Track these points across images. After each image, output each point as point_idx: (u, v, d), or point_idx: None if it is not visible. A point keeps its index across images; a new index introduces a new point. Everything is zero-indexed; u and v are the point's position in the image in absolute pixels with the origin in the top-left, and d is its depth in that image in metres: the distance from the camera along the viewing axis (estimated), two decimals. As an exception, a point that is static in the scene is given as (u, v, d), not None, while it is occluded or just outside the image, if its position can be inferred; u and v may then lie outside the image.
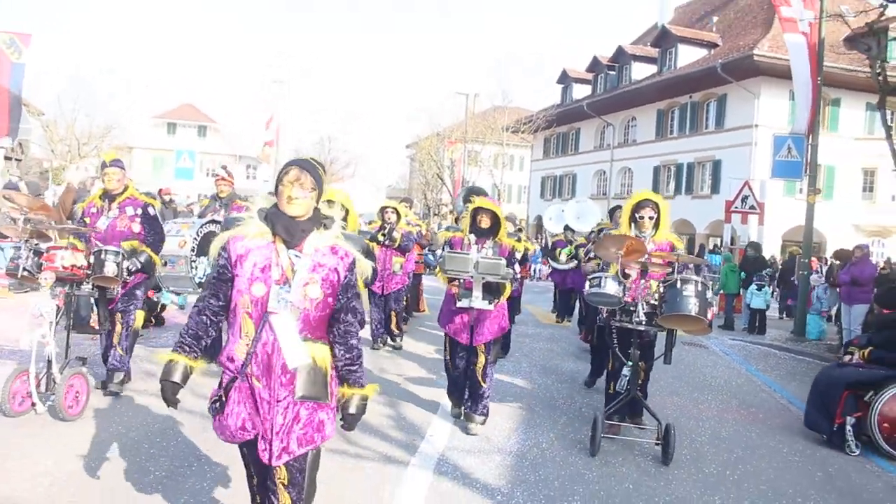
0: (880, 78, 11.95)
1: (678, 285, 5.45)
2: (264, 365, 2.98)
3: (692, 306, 5.35)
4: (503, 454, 5.64)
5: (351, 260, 3.10)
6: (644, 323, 5.66)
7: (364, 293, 5.45)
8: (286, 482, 3.07)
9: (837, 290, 12.58)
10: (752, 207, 15.82)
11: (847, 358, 7.08)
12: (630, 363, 5.86)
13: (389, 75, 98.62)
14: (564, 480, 5.09)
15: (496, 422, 6.43)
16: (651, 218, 6.19)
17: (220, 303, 3.08)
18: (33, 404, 5.63)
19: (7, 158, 31.41)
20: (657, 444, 5.71)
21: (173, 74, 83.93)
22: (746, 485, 5.28)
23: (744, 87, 28.50)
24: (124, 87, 58.52)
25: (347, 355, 3.12)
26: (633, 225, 6.31)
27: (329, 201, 3.29)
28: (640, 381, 6.12)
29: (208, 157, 58.24)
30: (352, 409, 3.12)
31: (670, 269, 5.84)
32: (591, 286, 5.82)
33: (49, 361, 5.79)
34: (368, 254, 3.38)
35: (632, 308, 5.71)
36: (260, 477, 3.17)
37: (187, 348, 3.07)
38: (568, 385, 8.33)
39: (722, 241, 19.69)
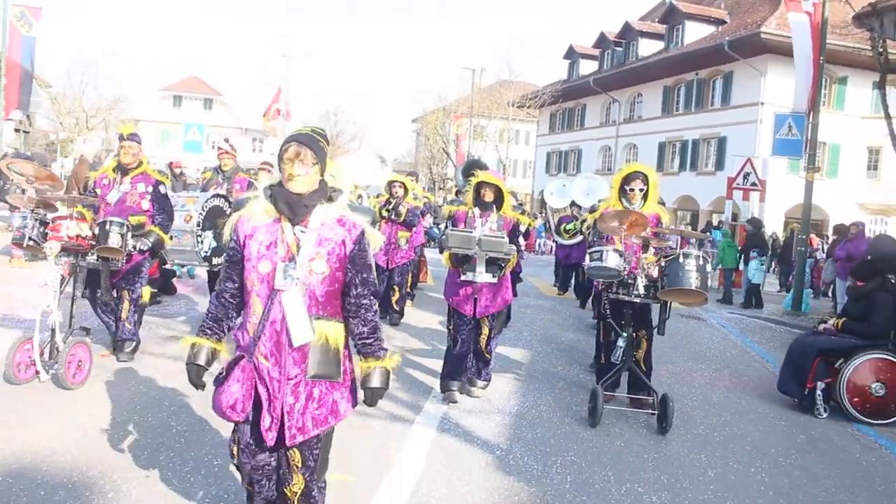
0: (882, 58, 12.11)
1: (680, 259, 5.51)
2: (273, 343, 2.95)
3: (693, 280, 5.43)
4: (502, 414, 5.91)
5: (359, 232, 3.04)
6: (642, 296, 5.75)
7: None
8: (300, 464, 3.06)
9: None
10: (753, 184, 16.02)
11: (821, 326, 7.35)
12: (625, 334, 5.93)
13: (395, 54, 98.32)
14: (560, 438, 5.39)
15: (497, 385, 6.66)
16: (641, 190, 6.24)
17: (236, 284, 3.08)
18: (37, 373, 5.68)
19: (16, 130, 31.65)
20: (653, 414, 5.83)
21: (179, 48, 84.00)
22: (732, 445, 5.58)
23: (750, 65, 28.52)
24: (127, 69, 58.30)
25: (363, 328, 3.07)
26: (622, 198, 6.33)
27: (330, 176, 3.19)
28: (642, 353, 6.21)
29: (214, 129, 58.32)
30: (373, 383, 3.06)
31: (670, 244, 5.96)
32: (591, 259, 5.84)
33: (53, 330, 5.83)
34: (374, 223, 3.29)
35: (630, 281, 5.78)
36: (257, 460, 3.10)
37: (209, 332, 3.10)
38: (567, 354, 8.58)
39: (726, 217, 19.87)
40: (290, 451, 3.02)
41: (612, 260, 5.66)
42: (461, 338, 6.24)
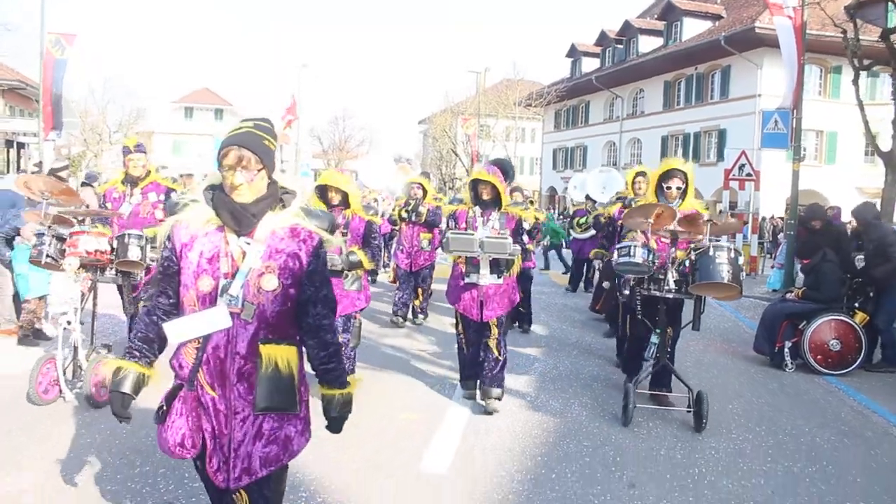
0: (856, 57, 13.20)
1: (711, 252, 5.40)
2: (217, 372, 2.58)
3: (725, 273, 5.32)
4: (531, 414, 5.87)
5: (315, 242, 2.67)
6: (673, 291, 5.63)
7: (364, 269, 5.92)
8: None
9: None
10: (748, 175, 17.05)
11: (788, 295, 8.51)
12: (658, 330, 5.84)
13: (400, 56, 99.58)
14: (596, 440, 5.61)
15: (522, 383, 6.72)
16: (679, 188, 6.10)
17: (171, 301, 2.68)
18: (61, 391, 5.60)
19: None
20: (688, 412, 5.73)
21: (189, 60, 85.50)
22: (714, 391, 6.63)
23: (747, 59, 29.47)
24: (143, 83, 59.95)
25: (322, 353, 2.72)
26: (659, 196, 6.19)
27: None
28: (667, 349, 6.05)
29: (226, 139, 59.44)
30: (333, 412, 2.77)
31: (700, 237, 5.77)
32: (619, 255, 5.69)
33: (75, 348, 5.77)
34: (333, 230, 2.89)
35: (660, 276, 5.65)
36: (216, 498, 2.79)
37: (137, 353, 2.68)
38: (589, 356, 8.36)
39: (724, 207, 20.90)
40: (237, 493, 2.66)
41: (639, 255, 5.56)
42: (470, 339, 6.15)
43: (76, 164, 40.94)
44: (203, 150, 57.96)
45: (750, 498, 4.42)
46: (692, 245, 5.83)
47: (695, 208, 6.14)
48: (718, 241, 5.73)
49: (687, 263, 5.59)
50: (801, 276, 8.90)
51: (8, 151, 31.16)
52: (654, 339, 5.88)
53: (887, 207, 13.46)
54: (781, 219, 24.91)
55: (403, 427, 5.57)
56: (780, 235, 17.77)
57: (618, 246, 5.86)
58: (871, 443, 5.58)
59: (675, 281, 5.60)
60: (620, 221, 6.43)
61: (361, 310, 6.33)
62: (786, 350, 7.82)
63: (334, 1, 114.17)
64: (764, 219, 24.59)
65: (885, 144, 14.40)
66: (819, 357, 7.72)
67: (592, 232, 12.30)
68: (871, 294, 8.18)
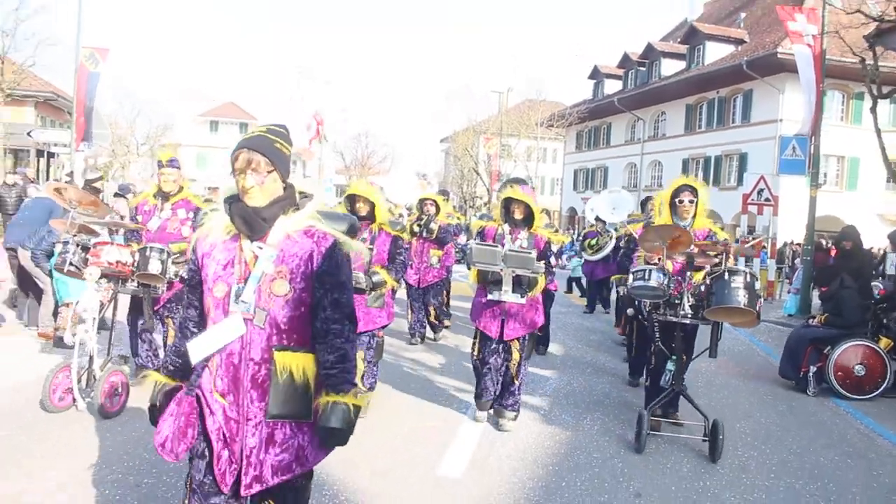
0: (875, 86, 13.36)
1: (726, 277, 5.29)
2: (231, 378, 2.58)
3: (741, 298, 5.20)
4: (542, 436, 5.84)
5: (330, 243, 2.63)
6: (690, 316, 5.51)
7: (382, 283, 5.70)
8: None
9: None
10: (766, 200, 17.17)
11: (812, 321, 8.65)
12: (674, 357, 5.78)
13: (425, 75, 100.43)
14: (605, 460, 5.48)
15: (536, 406, 6.68)
16: (691, 202, 6.07)
17: (198, 311, 2.74)
18: (74, 400, 5.64)
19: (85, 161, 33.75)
20: (704, 441, 5.62)
21: (216, 74, 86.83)
22: (724, 411, 6.82)
23: (769, 83, 29.57)
24: (168, 96, 61.11)
25: (329, 356, 2.61)
26: (673, 213, 6.16)
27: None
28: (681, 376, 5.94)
29: (251, 153, 60.15)
30: (332, 422, 2.53)
31: (717, 261, 5.66)
32: (635, 279, 5.58)
33: (91, 357, 5.81)
34: (354, 231, 2.89)
35: (676, 301, 5.54)
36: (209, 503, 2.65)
37: (171, 367, 2.76)
38: (602, 375, 8.49)
39: (742, 231, 21.00)
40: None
41: (654, 278, 5.46)
42: (487, 362, 6.05)
43: (104, 174, 41.74)
44: (228, 163, 58.75)
45: (751, 511, 4.59)
46: (707, 269, 5.74)
47: (708, 228, 6.16)
48: (735, 265, 5.58)
49: (702, 288, 5.47)
50: (816, 302, 9.08)
51: (38, 161, 31.86)
52: (670, 365, 5.82)
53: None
54: (800, 245, 24.96)
55: (420, 435, 5.77)
56: (798, 261, 17.85)
57: (633, 269, 5.75)
58: (874, 464, 5.73)
59: (690, 305, 5.47)
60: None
61: (384, 327, 6.26)
62: (810, 375, 7.96)
63: (360, 20, 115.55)
64: (785, 244, 24.64)
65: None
66: (844, 381, 7.85)
67: (604, 254, 12.38)
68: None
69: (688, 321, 5.57)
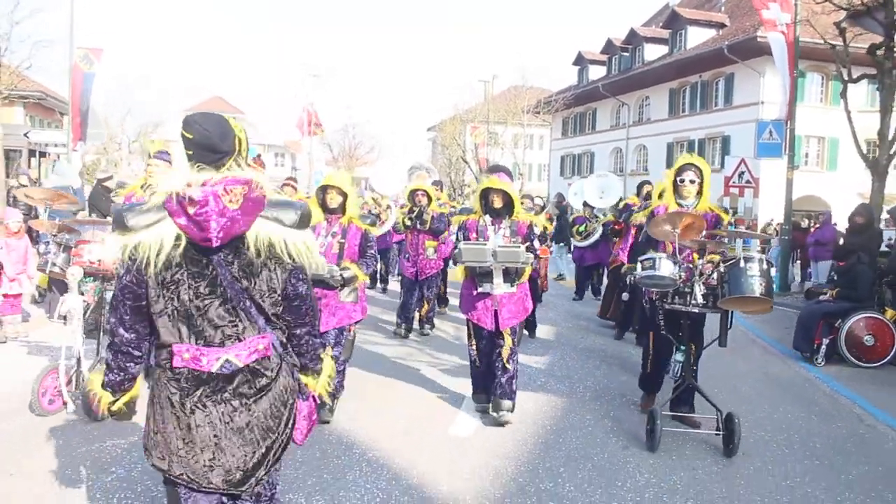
0: (846, 70, 14.01)
1: (742, 264, 5.06)
2: None
3: (757, 287, 5.02)
4: (545, 435, 5.70)
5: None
6: (700, 306, 5.30)
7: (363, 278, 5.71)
8: None
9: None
10: (748, 182, 17.80)
11: (823, 297, 9.37)
12: (683, 348, 5.59)
13: (408, 63, 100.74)
14: (615, 463, 5.07)
15: (535, 401, 6.57)
16: (693, 182, 5.83)
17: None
18: (64, 403, 5.52)
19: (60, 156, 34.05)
20: (717, 434, 5.43)
21: (202, 68, 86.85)
22: (706, 384, 7.31)
23: (750, 67, 30.14)
24: (157, 93, 61.28)
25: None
26: (675, 193, 5.96)
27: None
28: (693, 367, 5.76)
29: (239, 147, 60.42)
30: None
31: (729, 247, 5.57)
32: (643, 268, 5.35)
33: (78, 359, 5.67)
34: (306, 219, 2.68)
35: (686, 290, 5.31)
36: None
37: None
38: (601, 359, 8.54)
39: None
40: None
41: (665, 268, 5.23)
42: (484, 352, 6.08)
43: (90, 172, 41.95)
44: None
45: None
46: (719, 256, 5.48)
47: (713, 210, 5.96)
48: (749, 251, 5.40)
49: (714, 276, 5.24)
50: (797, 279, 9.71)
51: (30, 161, 32.15)
52: (679, 356, 5.61)
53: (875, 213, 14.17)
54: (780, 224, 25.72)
55: (431, 403, 6.49)
56: (775, 240, 18.54)
57: (641, 258, 5.49)
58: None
59: (702, 294, 5.25)
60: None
61: (357, 322, 6.17)
62: (823, 347, 8.65)
63: (344, 9, 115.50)
64: (769, 224, 25.39)
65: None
66: (853, 350, 8.61)
67: (593, 240, 12.44)
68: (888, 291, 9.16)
69: (697, 311, 5.37)
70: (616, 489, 4.70)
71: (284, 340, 2.70)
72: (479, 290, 5.90)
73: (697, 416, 5.87)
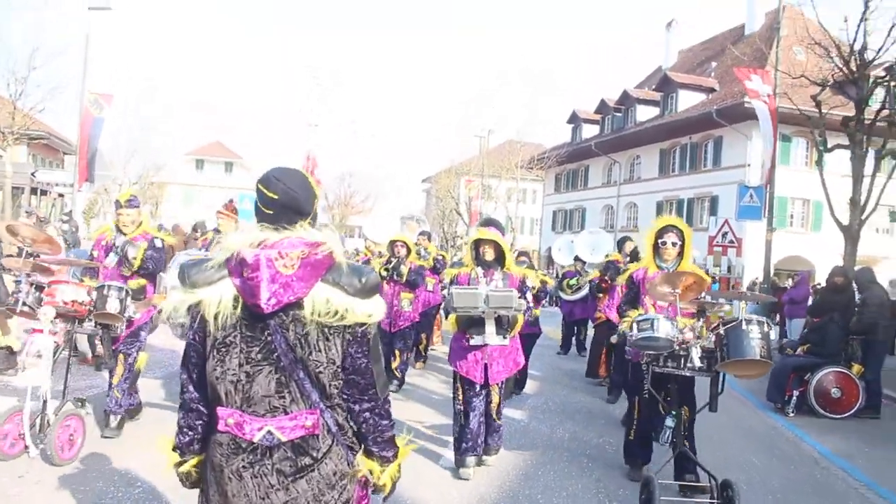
0: (821, 139, 14.79)
1: (744, 326, 4.91)
2: None
3: (758, 349, 4.86)
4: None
5: None
6: (697, 369, 5.13)
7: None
8: None
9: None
10: (731, 242, 18.47)
11: (792, 351, 9.98)
12: (673, 413, 5.32)
13: (412, 84, 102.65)
14: None
15: (517, 465, 6.32)
16: (674, 244, 5.70)
17: None
18: (26, 447, 5.23)
19: (60, 195, 34.68)
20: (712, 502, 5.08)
21: (210, 95, 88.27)
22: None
23: (737, 130, 31.14)
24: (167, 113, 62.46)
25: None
26: (655, 255, 5.86)
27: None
28: (683, 433, 5.46)
29: (235, 192, 61.25)
30: None
31: (729, 308, 5.36)
32: (640, 329, 5.14)
33: (44, 402, 5.38)
34: (371, 287, 2.49)
35: (682, 353, 5.13)
36: None
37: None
38: (582, 419, 8.38)
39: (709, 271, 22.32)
40: None
41: (663, 329, 5.04)
42: (472, 408, 5.87)
43: (88, 213, 42.56)
44: (212, 201, 60.04)
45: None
46: (718, 318, 5.40)
47: (694, 271, 5.58)
48: (761, 316, 5.33)
49: (713, 338, 5.08)
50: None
51: (30, 199, 32.73)
52: (670, 422, 5.34)
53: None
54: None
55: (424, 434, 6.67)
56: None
57: (638, 319, 5.28)
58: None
59: (699, 357, 5.07)
60: (646, 294, 5.79)
61: None
62: (793, 399, 9.21)
63: (345, 14, 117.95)
64: (754, 283, 26.00)
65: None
66: (822, 402, 9.17)
67: (582, 294, 12.56)
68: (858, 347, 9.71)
69: (695, 374, 5.21)
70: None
71: (342, 421, 2.46)
72: (471, 342, 5.80)
73: (694, 483, 5.52)
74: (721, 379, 5.26)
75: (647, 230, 6.01)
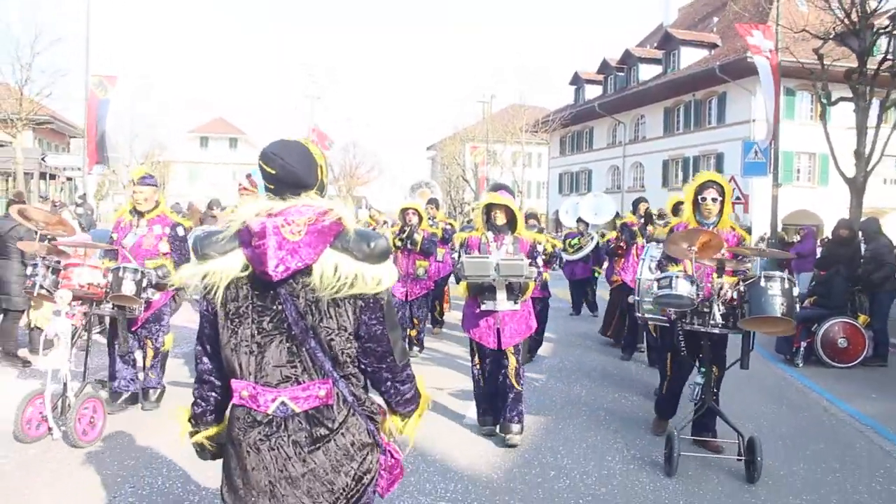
0: (824, 92, 14.81)
1: (762, 283, 4.89)
2: None
3: (779, 307, 4.82)
4: (557, 464, 5.44)
5: None
6: (720, 326, 5.14)
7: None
8: None
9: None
10: (737, 198, 18.60)
11: (799, 304, 10.08)
12: (703, 370, 5.39)
13: (408, 82, 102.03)
14: (631, 492, 4.86)
15: (543, 426, 6.39)
16: (715, 200, 5.53)
17: None
18: (49, 429, 5.34)
19: (69, 178, 34.92)
20: (739, 460, 5.19)
21: (206, 90, 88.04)
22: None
23: (741, 86, 30.98)
24: (163, 114, 62.52)
25: None
26: (696, 211, 5.66)
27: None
28: (713, 390, 5.51)
29: (240, 167, 61.51)
30: None
31: (749, 265, 5.44)
32: (660, 287, 5.26)
33: (64, 384, 5.45)
34: (381, 253, 2.43)
35: (705, 310, 5.16)
36: None
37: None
38: (598, 379, 8.42)
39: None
40: None
41: (682, 287, 5.08)
42: (488, 372, 5.99)
43: (97, 195, 42.75)
44: (217, 178, 60.27)
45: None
46: (740, 275, 5.37)
47: (735, 230, 5.70)
48: (771, 270, 5.34)
49: (735, 295, 5.11)
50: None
51: (39, 183, 32.98)
52: (699, 378, 5.42)
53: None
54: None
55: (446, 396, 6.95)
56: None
57: (657, 277, 5.42)
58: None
59: (721, 314, 5.11)
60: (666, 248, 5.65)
61: None
62: (801, 349, 9.47)
63: (342, 10, 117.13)
64: (761, 239, 26.16)
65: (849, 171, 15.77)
66: (830, 353, 9.43)
67: (583, 254, 12.80)
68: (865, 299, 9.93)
69: (717, 331, 5.21)
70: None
71: (359, 392, 2.44)
72: (482, 307, 5.82)
73: (719, 440, 5.67)
74: (751, 336, 5.25)
75: (687, 186, 5.89)
